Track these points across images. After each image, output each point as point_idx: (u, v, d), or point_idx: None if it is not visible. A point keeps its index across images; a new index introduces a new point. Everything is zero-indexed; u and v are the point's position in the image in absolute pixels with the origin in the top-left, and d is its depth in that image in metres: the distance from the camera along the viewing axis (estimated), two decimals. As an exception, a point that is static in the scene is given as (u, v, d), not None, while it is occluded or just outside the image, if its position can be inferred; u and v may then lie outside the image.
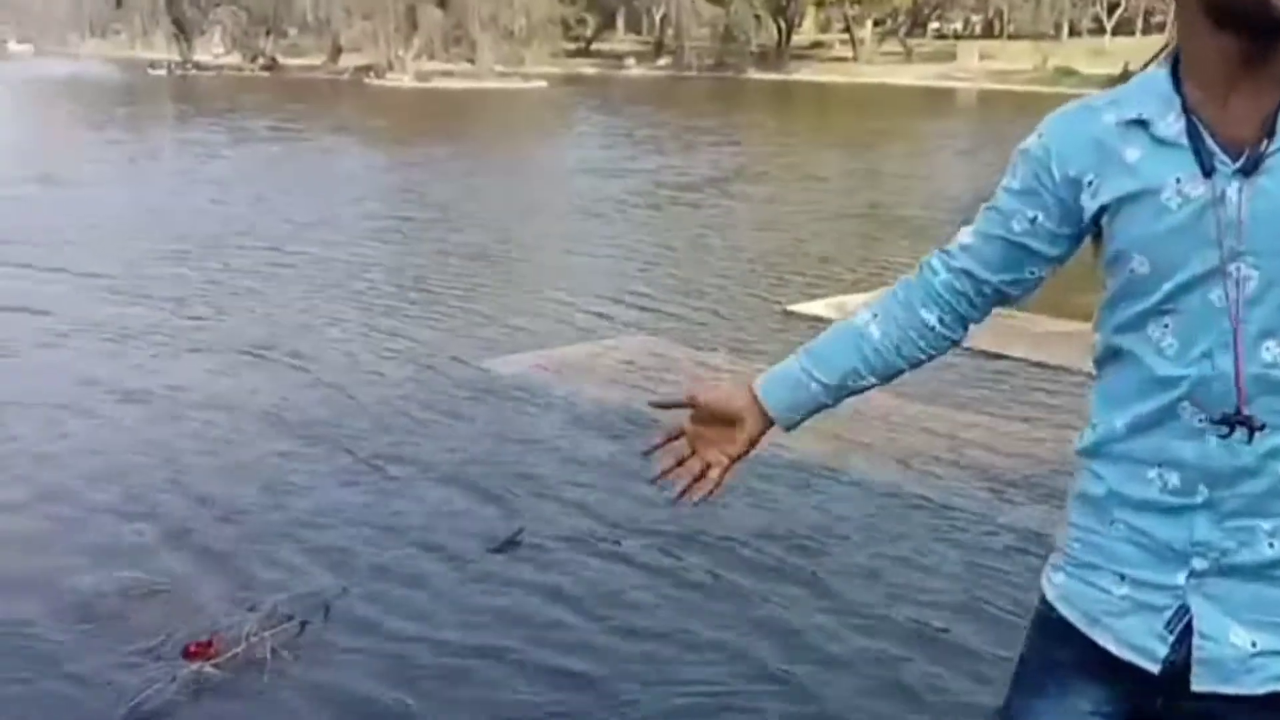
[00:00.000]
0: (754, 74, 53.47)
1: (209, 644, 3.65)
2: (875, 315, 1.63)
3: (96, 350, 7.41)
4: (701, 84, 48.33)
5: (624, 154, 21.50)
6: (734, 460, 1.67)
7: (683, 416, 1.69)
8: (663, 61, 58.89)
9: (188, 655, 3.61)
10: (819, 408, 1.67)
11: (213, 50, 51.28)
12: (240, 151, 21.19)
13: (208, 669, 3.55)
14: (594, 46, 63.00)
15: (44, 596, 4.08)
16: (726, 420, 1.65)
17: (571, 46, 58.32)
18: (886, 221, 14.41)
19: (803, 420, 1.68)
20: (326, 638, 3.84)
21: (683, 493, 1.67)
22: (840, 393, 1.65)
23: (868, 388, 1.66)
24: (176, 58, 49.78)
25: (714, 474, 1.66)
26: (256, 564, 4.40)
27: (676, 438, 1.69)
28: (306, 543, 4.61)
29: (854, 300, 8.38)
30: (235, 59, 50.26)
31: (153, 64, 47.23)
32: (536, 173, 19.95)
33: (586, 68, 55.79)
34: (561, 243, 12.48)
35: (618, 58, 59.23)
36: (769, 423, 1.66)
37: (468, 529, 4.78)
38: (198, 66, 48.92)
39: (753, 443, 1.67)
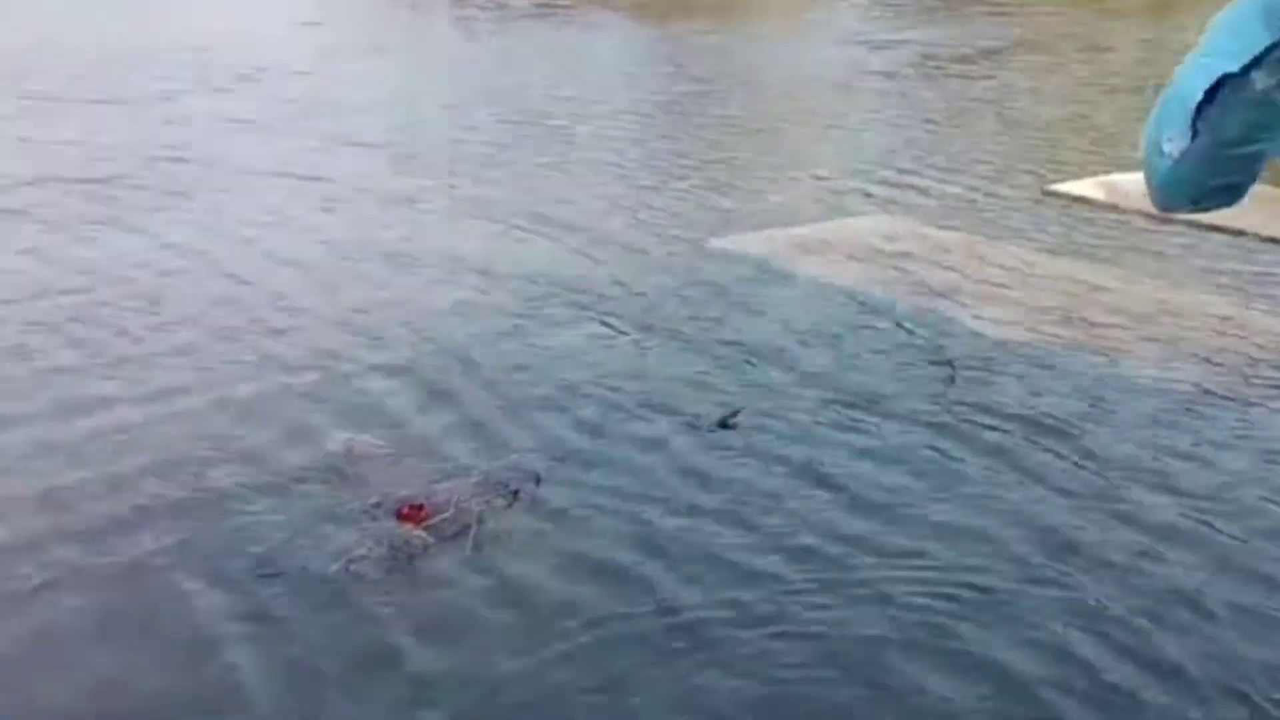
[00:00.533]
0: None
1: (420, 507, 3.71)
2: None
3: (368, 216, 7.70)
4: (979, -48, 45.69)
5: (892, 24, 20.56)
6: None
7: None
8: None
9: (400, 518, 3.68)
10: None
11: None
12: (507, 28, 21.56)
13: (418, 532, 3.62)
14: None
15: (290, 447, 4.28)
16: None
17: None
18: (1178, 95, 13.26)
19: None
20: (542, 502, 3.86)
21: None
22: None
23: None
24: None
25: None
26: (486, 428, 4.48)
27: None
28: (535, 407, 4.67)
29: (1125, 180, 7.79)
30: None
31: None
32: (800, 45, 19.37)
33: None
34: (821, 117, 12.11)
35: None
36: None
37: (696, 399, 4.72)
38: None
39: None
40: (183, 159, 9.28)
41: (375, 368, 5.09)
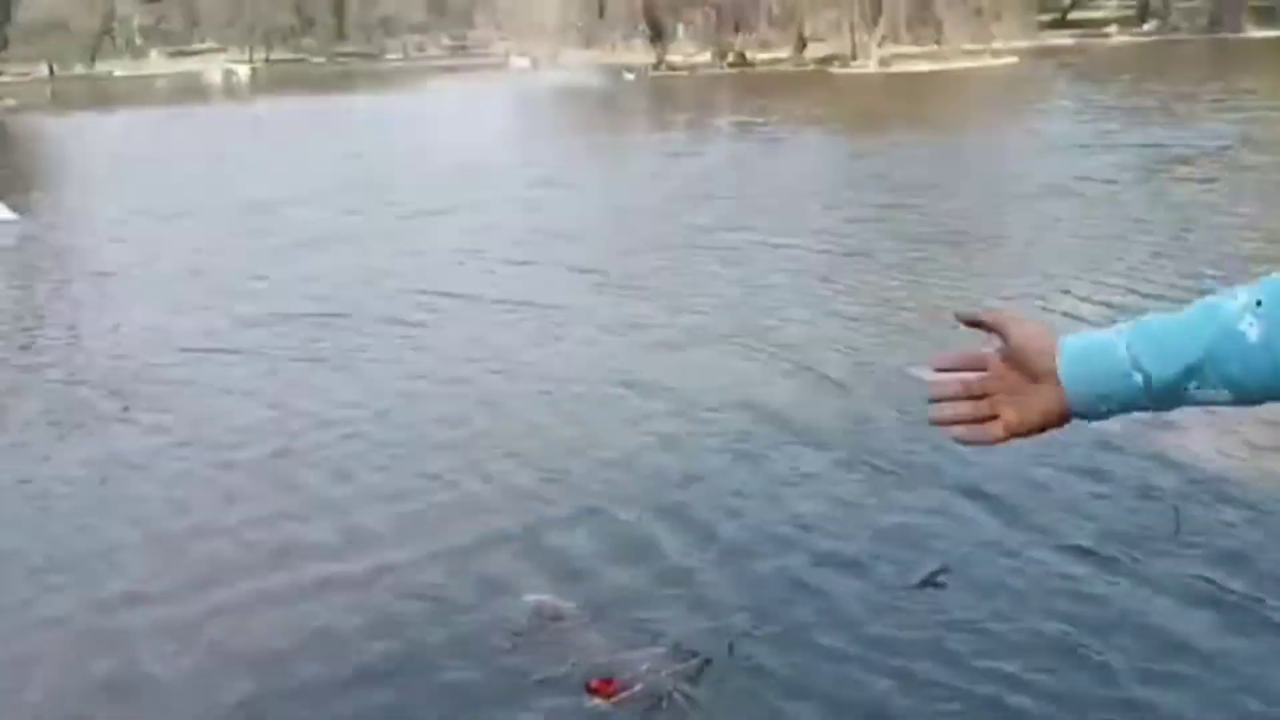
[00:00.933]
0: (1254, 32, 48.18)
1: (609, 681, 3.61)
2: (1260, 304, 1.12)
3: (592, 340, 7.80)
4: (1194, 47, 44.20)
5: (1105, 128, 19.93)
6: (1022, 434, 1.23)
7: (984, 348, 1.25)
8: (1149, 25, 54.43)
9: (589, 690, 3.59)
10: (1135, 407, 1.20)
11: (684, 50, 53.56)
12: (708, 149, 21.91)
13: (607, 706, 3.52)
14: (1071, 16, 59.41)
15: (485, 603, 4.26)
16: (1029, 374, 1.22)
17: (1046, 18, 55.29)
18: None
19: (1110, 415, 1.21)
20: (736, 670, 3.71)
21: (957, 428, 1.25)
22: (1169, 398, 1.17)
23: (1214, 403, 1.17)
24: (651, 60, 52.50)
25: (995, 431, 1.24)
26: (684, 581, 4.37)
27: (973, 368, 1.26)
28: (737, 556, 4.54)
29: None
30: (706, 57, 52.21)
31: (628, 68, 49.89)
32: (1007, 152, 18.99)
33: (1062, 39, 52.70)
34: (1031, 228, 11.71)
35: (1097, 26, 55.45)
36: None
37: (905, 549, 4.50)
38: (670, 67, 51.17)
39: (1049, 420, 1.22)
40: (406, 290, 9.65)
41: (579, 512, 5.07)
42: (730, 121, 27.13)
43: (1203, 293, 1.22)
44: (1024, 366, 1.23)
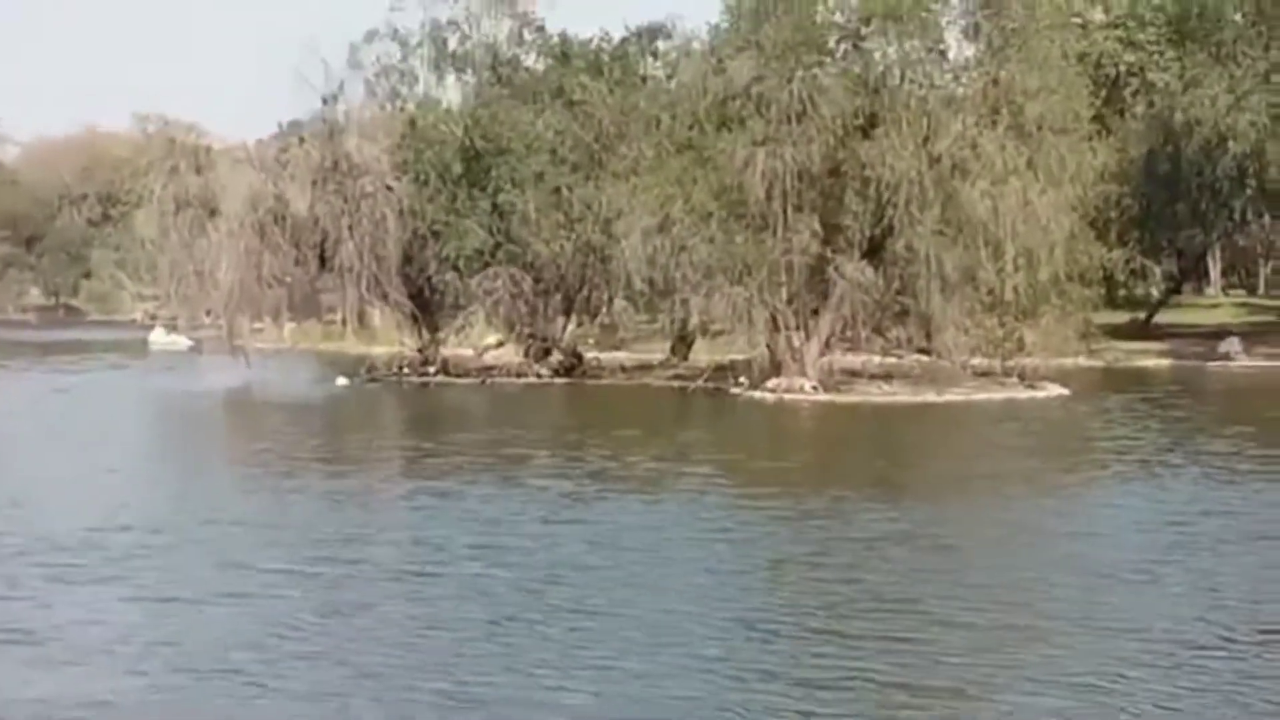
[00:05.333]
0: None
1: None
2: None
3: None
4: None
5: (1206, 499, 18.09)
6: None
7: None
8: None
9: None
10: None
11: (475, 341, 38.55)
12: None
13: None
14: (1162, 319, 46.59)
15: None
16: None
17: (1120, 319, 43.20)
18: None
19: None
20: None
21: None
22: None
23: None
24: (414, 349, 37.75)
25: None
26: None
27: None
28: None
29: None
30: (510, 351, 37.62)
31: (355, 371, 35.98)
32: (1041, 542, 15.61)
33: (1149, 357, 40.24)
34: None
35: (1205, 338, 43.18)
36: None
37: None
38: (446, 369, 36.42)
39: None
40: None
41: None
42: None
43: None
44: None
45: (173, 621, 11.96)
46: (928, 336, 34.85)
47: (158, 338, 46.05)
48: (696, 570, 14.09)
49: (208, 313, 38.70)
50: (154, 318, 44.20)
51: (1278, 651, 10.87)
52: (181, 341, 43.56)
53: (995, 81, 34.43)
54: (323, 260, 36.96)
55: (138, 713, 9.95)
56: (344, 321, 40.63)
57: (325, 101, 38.55)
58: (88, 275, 64.15)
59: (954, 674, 10.28)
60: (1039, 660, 10.64)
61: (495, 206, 36.42)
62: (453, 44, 42.68)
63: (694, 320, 35.46)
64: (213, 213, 36.46)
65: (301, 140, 38.23)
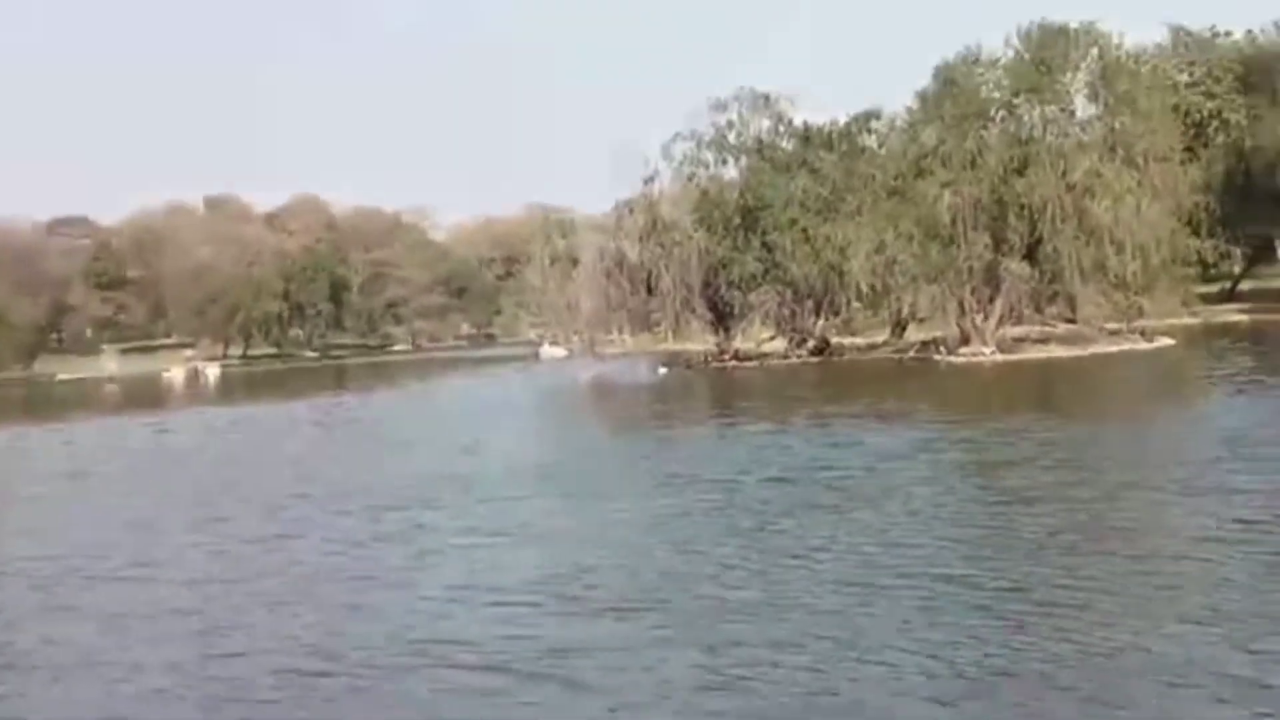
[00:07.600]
0: None
1: None
2: None
3: None
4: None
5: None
6: None
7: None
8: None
9: None
10: None
11: (755, 336, 53.64)
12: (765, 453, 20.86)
13: None
14: (1243, 287, 59.31)
15: None
16: None
17: (1211, 289, 54.99)
18: None
19: None
20: None
21: None
22: None
23: None
24: (712, 347, 53.03)
25: None
26: None
27: None
28: None
29: None
30: (780, 344, 52.11)
31: (665, 362, 50.97)
32: (1159, 460, 17.87)
33: (1233, 314, 52.38)
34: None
35: (1276, 299, 54.86)
36: None
37: None
38: (737, 356, 51.26)
39: None
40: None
41: None
42: (803, 418, 26.36)
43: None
44: None
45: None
46: (1073, 310, 45.82)
47: (545, 350, 62.33)
48: (956, 466, 18.12)
49: (576, 332, 55.49)
50: (542, 337, 60.82)
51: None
52: (560, 351, 59.10)
53: (1112, 129, 44.83)
54: (649, 289, 52.36)
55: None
56: (666, 330, 56.76)
57: (645, 182, 53.51)
58: (498, 312, 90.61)
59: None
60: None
61: (764, 244, 50.39)
62: (731, 138, 54.14)
63: (905, 311, 47.93)
64: (575, 264, 53.00)
65: (630, 210, 53.29)
